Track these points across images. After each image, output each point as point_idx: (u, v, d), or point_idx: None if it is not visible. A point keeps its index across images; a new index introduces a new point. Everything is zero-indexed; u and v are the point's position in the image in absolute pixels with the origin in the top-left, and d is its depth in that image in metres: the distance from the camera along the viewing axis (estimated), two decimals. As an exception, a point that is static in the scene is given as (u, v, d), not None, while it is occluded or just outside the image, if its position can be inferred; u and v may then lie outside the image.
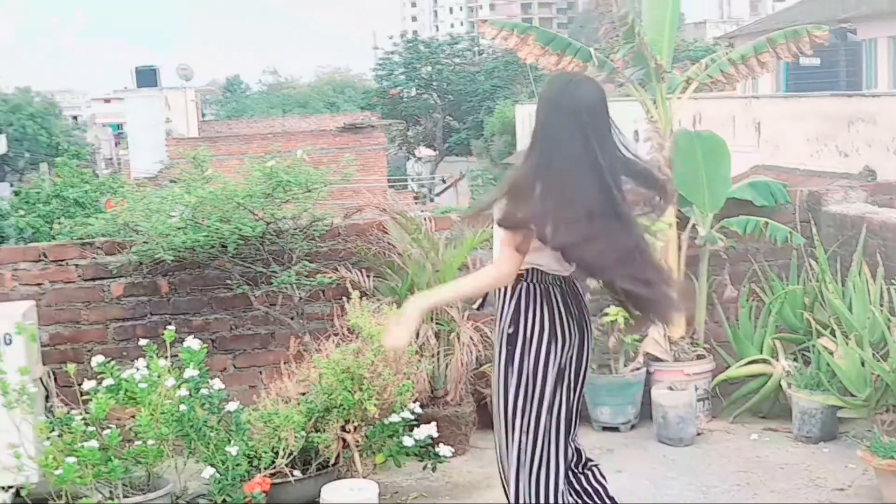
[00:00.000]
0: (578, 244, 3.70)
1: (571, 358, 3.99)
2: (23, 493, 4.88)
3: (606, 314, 6.25)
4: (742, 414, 6.43)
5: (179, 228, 5.94)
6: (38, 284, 6.29)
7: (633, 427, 6.40)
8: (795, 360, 6.28)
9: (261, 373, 6.42)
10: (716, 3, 78.05)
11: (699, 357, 6.46)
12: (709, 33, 54.87)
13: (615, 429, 6.37)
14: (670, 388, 6.19)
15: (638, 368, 6.42)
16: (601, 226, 3.70)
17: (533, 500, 3.96)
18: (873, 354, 5.56)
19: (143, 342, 5.31)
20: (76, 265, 6.35)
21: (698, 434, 6.19)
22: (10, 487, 5.24)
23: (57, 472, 4.64)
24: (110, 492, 4.81)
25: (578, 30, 64.21)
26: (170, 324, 5.70)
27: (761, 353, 6.39)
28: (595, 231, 3.69)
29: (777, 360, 6.28)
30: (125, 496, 4.83)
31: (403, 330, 3.86)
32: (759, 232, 6.55)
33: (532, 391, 3.90)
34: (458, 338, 5.99)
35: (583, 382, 4.09)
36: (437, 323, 6.12)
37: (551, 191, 3.69)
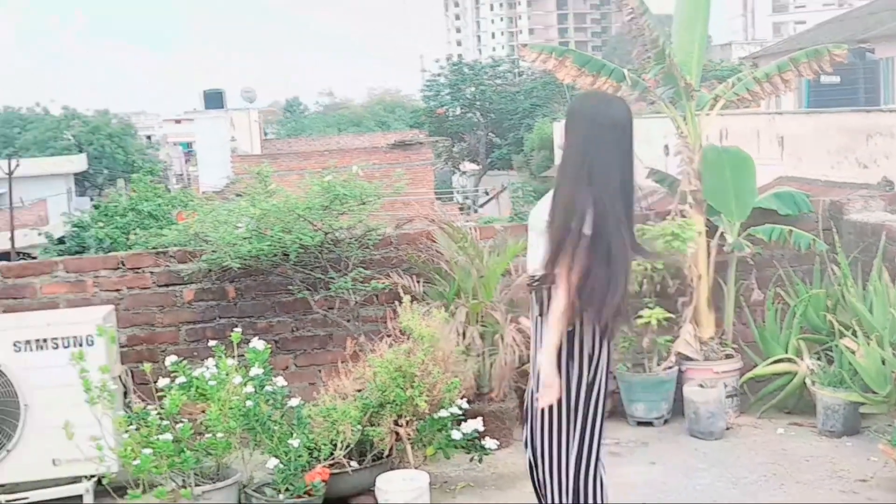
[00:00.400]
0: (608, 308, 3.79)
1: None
2: (104, 481, 4.92)
3: (640, 316, 6.22)
4: (769, 410, 6.36)
5: (245, 238, 5.98)
6: (117, 290, 6.36)
7: (665, 422, 6.35)
8: (819, 359, 6.21)
9: (320, 371, 6.43)
10: (741, 26, 77.47)
11: (728, 356, 6.40)
12: (734, 54, 54.32)
13: (649, 423, 6.32)
14: (701, 386, 6.13)
15: (670, 367, 6.37)
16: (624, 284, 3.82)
17: (594, 491, 3.97)
18: (893, 353, 5.49)
19: (212, 343, 5.36)
20: (151, 272, 6.41)
21: (727, 428, 6.13)
22: (93, 476, 5.30)
23: (135, 463, 4.68)
24: (183, 480, 4.84)
25: (612, 52, 64.03)
26: (236, 326, 5.72)
27: (787, 352, 6.32)
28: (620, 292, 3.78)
29: (802, 359, 6.21)
30: (196, 484, 4.86)
31: (553, 387, 3.87)
32: (783, 239, 6.48)
33: (592, 384, 3.92)
34: (502, 339, 5.97)
35: None
36: (482, 325, 6.12)
37: (597, 250, 3.74)
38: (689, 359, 6.35)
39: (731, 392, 6.31)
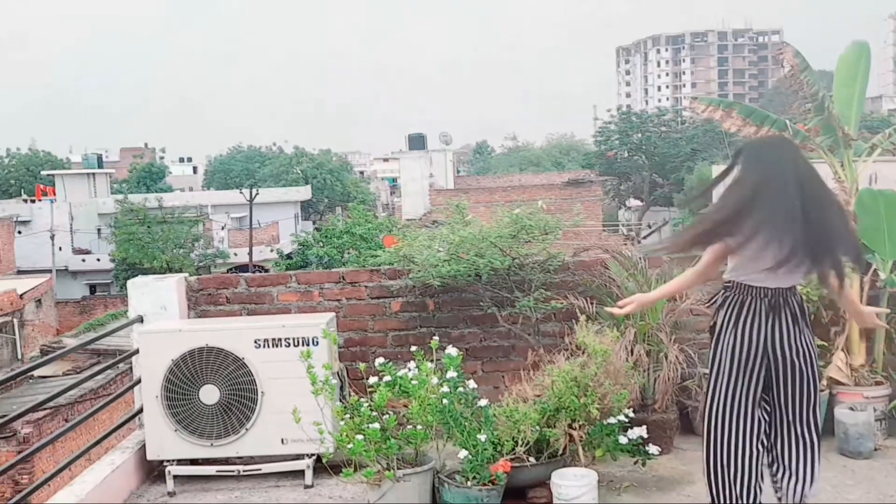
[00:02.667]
0: None
1: None
2: (322, 460, 5.07)
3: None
4: (916, 435, 5.92)
5: (445, 261, 6.06)
6: (338, 300, 6.56)
7: (816, 440, 6.00)
8: (967, 391, 5.74)
9: (503, 377, 6.43)
10: (891, 80, 73.17)
11: (878, 383, 6.01)
12: (884, 106, 51.40)
13: (800, 441, 5.98)
14: (851, 409, 5.77)
15: (822, 390, 6.01)
16: None
17: None
18: None
19: (413, 348, 5.43)
20: (366, 286, 6.58)
21: (875, 449, 5.74)
22: (313, 455, 5.48)
23: (349, 446, 4.78)
24: (387, 464, 4.91)
25: (768, 103, 61.77)
26: (434, 335, 5.78)
27: (935, 383, 5.87)
28: None
29: (950, 390, 5.76)
30: (398, 468, 4.93)
31: None
32: (936, 277, 6.04)
33: None
34: (666, 357, 5.81)
35: None
36: (648, 344, 5.97)
37: None
38: (840, 383, 5.99)
39: (879, 416, 5.90)
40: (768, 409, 3.99)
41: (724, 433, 3.97)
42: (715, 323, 4.06)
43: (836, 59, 6.30)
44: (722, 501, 3.97)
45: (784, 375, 3.95)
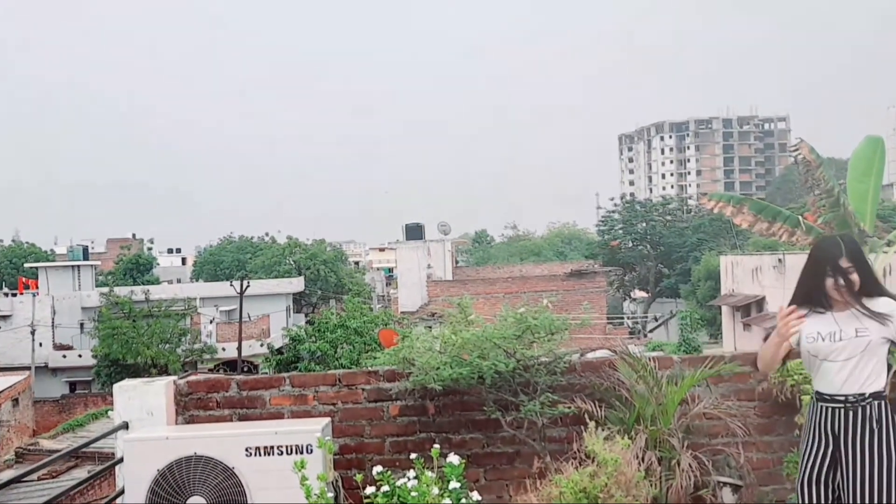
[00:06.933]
0: None
1: None
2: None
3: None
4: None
5: (446, 363, 6.01)
6: (333, 404, 6.46)
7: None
8: None
9: (507, 486, 6.32)
10: (900, 168, 74.04)
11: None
12: (895, 194, 52.01)
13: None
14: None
15: None
16: None
17: None
18: None
19: (413, 455, 5.34)
20: (363, 389, 6.49)
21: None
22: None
23: (344, 564, 4.68)
24: (384, 581, 4.79)
25: (775, 191, 62.51)
26: (435, 441, 5.70)
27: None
28: None
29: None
30: (398, 586, 4.80)
31: None
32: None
33: None
34: (678, 464, 5.73)
35: None
36: (659, 450, 5.89)
37: None
38: None
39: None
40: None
41: None
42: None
43: (840, 143, 6.43)
44: None
45: (853, 481, 4.18)
